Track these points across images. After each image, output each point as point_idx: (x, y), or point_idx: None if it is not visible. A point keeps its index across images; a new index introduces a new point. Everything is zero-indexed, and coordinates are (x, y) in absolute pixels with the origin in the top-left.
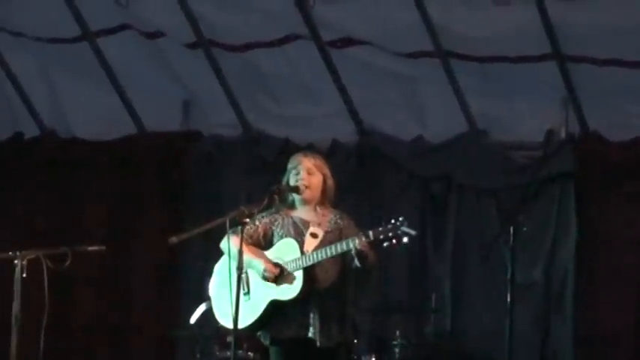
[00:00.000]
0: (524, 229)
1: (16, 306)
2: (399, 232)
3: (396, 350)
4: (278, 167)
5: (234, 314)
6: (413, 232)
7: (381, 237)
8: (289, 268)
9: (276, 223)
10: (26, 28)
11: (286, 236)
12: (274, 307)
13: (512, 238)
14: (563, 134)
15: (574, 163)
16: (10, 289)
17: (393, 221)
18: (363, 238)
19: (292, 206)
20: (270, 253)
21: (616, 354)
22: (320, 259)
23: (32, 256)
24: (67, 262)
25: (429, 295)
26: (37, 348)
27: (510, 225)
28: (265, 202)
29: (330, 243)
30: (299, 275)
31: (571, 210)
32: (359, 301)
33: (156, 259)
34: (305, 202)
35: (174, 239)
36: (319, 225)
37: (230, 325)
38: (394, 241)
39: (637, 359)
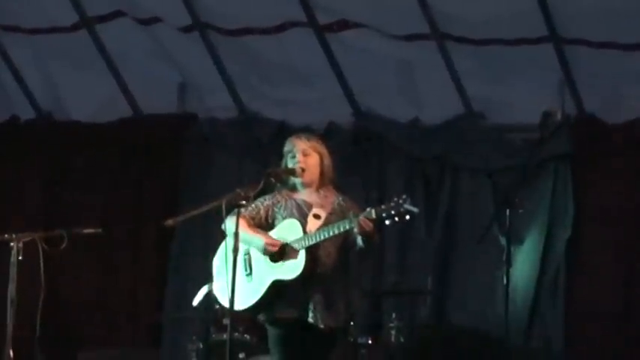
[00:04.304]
0: (521, 211)
1: (11, 289)
2: (401, 209)
3: (392, 332)
4: (274, 149)
5: (230, 296)
6: (415, 210)
7: (384, 215)
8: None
9: (278, 205)
10: (22, 16)
11: (289, 218)
12: (276, 287)
13: (508, 220)
14: (559, 116)
15: (570, 145)
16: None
17: (395, 199)
18: (366, 217)
19: (294, 189)
20: (273, 234)
21: (609, 333)
22: (322, 238)
23: (28, 238)
24: (64, 245)
25: (424, 277)
26: (34, 330)
27: (506, 207)
28: (261, 184)
29: (333, 224)
30: (301, 255)
31: (567, 192)
32: (361, 283)
33: (152, 241)
34: (306, 184)
35: (170, 221)
36: (322, 207)
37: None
38: (396, 218)
39: (630, 338)
